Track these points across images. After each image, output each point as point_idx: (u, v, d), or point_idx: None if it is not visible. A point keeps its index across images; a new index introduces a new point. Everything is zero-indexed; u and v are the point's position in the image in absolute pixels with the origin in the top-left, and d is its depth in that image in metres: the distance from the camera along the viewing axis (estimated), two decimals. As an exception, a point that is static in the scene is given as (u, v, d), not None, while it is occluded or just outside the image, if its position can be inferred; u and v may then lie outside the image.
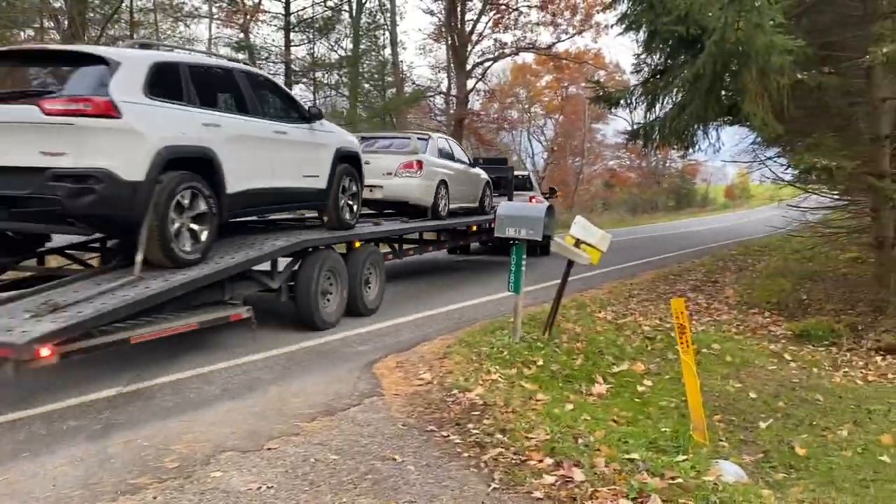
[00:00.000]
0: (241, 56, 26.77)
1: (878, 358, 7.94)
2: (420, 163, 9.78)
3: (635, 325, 8.47)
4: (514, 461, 3.73)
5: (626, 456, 3.98)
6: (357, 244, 7.88)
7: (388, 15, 28.91)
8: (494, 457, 3.77)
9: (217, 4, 28.34)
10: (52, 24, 22.33)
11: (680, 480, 3.62)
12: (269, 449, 3.66)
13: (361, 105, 30.25)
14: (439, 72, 34.37)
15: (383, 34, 30.79)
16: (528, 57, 42.14)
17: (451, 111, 33.55)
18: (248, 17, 30.52)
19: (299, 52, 27.50)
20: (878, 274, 10.27)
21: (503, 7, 32.92)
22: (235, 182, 5.96)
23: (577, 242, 6.75)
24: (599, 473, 3.64)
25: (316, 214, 7.98)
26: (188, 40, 23.83)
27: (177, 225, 5.34)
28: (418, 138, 10.31)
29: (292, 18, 26.56)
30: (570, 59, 38.67)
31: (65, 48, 6.23)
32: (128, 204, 4.95)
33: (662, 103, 8.64)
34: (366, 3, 30.62)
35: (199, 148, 5.60)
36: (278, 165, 6.73)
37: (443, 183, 10.26)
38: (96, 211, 4.83)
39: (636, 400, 5.86)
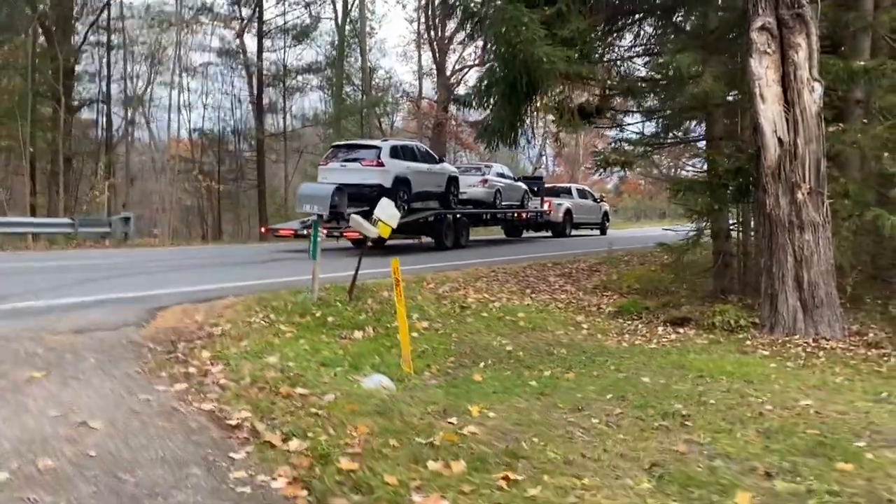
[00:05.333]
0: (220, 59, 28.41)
1: (661, 328, 9.07)
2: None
3: (460, 298, 9.68)
4: (179, 360, 5.02)
5: (287, 364, 5.25)
6: (459, 215, 16.89)
7: (362, 25, 30.30)
8: (168, 359, 5.06)
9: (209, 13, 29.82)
10: (41, 30, 24.14)
11: (294, 374, 4.88)
12: (-5, 344, 4.97)
13: (344, 104, 31.77)
14: (421, 77, 35.76)
15: (364, 41, 32.24)
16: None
17: (433, 115, 34.90)
18: (244, 23, 32.26)
19: (272, 57, 29.09)
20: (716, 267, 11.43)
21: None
22: (416, 187, 15.01)
23: (375, 220, 8.03)
24: (239, 370, 4.90)
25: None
26: (161, 46, 25.54)
27: (399, 202, 13.09)
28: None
29: (269, 25, 28.13)
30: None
31: (366, 143, 16.03)
32: (387, 195, 10.97)
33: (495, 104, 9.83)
34: (350, 10, 32.21)
35: (405, 176, 14.67)
36: (429, 181, 15.71)
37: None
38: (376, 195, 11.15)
39: (387, 343, 7.07)
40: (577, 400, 5.18)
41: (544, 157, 56.01)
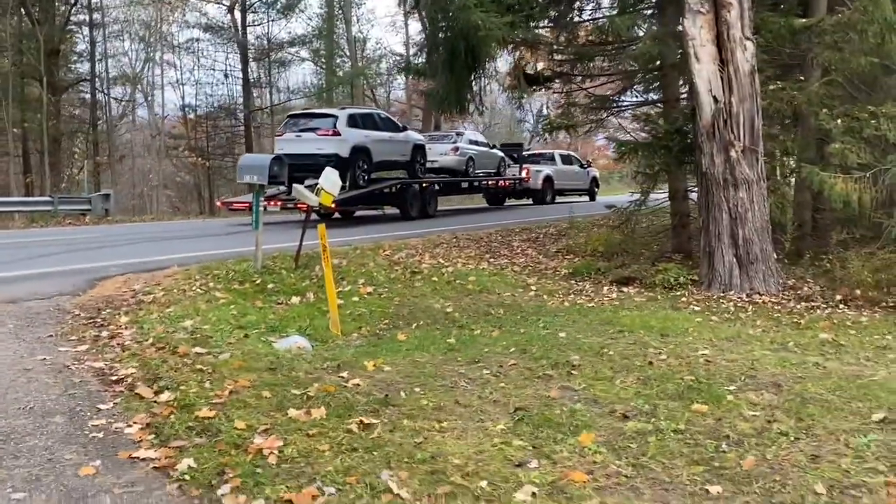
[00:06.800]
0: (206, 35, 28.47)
1: (606, 288, 9.24)
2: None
3: (414, 264, 9.86)
4: (96, 324, 5.26)
5: (202, 327, 5.48)
6: (425, 184, 16.57)
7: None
8: (86, 324, 5.30)
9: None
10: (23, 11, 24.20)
11: (201, 336, 5.12)
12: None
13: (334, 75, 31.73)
14: (408, 48, 35.59)
15: (349, 11, 32.17)
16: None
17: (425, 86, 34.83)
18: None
19: (258, 31, 29.11)
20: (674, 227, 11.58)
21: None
22: (376, 156, 14.76)
23: (318, 190, 8.22)
24: (148, 333, 5.13)
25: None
26: (146, 24, 25.61)
27: (359, 173, 14.17)
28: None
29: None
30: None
31: (323, 111, 15.70)
32: (344, 165, 12.98)
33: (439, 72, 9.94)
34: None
35: (364, 145, 14.44)
36: (391, 150, 15.45)
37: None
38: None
39: (323, 308, 7.27)
40: (480, 354, 5.38)
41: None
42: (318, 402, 3.84)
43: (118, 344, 4.71)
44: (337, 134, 13.91)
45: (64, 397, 3.61)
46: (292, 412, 3.63)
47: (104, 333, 5.02)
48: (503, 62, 10.31)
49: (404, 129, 16.94)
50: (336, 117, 14.34)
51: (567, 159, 26.64)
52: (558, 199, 25.06)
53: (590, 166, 28.33)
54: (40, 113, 23.41)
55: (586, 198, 27.42)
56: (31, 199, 17.20)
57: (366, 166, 14.43)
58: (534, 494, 2.92)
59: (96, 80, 25.29)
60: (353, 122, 14.57)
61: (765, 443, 3.56)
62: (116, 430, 3.25)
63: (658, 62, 9.79)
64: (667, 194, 11.29)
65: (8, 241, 11.27)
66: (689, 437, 3.64)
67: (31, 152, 24.49)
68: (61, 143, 24.32)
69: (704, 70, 8.16)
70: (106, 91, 25.47)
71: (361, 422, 3.59)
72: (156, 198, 24.43)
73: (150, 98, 29.84)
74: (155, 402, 3.60)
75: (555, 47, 9.64)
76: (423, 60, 10.70)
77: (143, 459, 2.96)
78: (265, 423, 3.44)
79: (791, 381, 4.54)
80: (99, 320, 5.41)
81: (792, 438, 3.60)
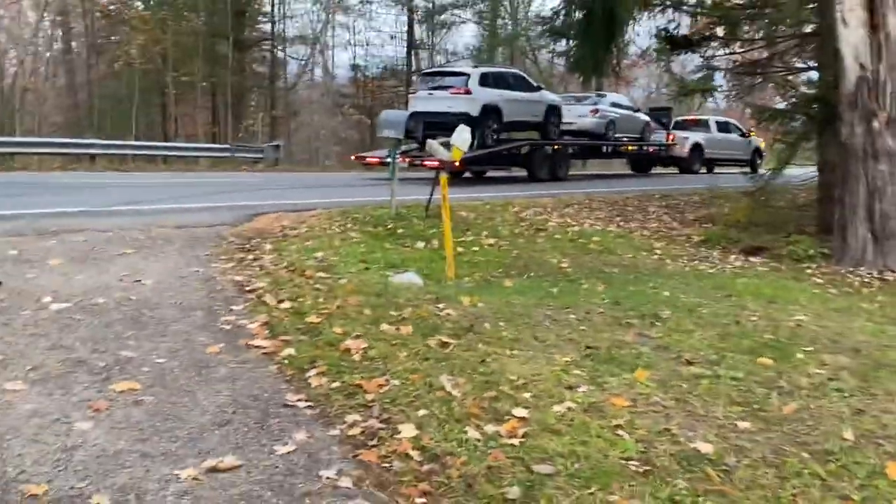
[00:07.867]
0: None
1: (733, 256, 9.16)
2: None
3: (540, 221, 10.24)
4: (245, 249, 6.18)
5: (331, 258, 6.26)
6: (557, 147, 16.58)
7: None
8: (237, 248, 6.23)
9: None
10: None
11: (328, 265, 5.88)
12: (108, 230, 6.38)
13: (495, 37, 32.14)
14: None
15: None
16: None
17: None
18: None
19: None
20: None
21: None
22: (507, 116, 14.81)
23: (451, 146, 8.79)
24: (287, 259, 5.97)
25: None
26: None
27: (488, 132, 14.23)
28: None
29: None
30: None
31: (455, 69, 15.98)
32: (473, 124, 11.75)
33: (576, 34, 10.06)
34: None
35: (495, 104, 14.45)
36: (523, 110, 15.45)
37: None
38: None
39: (444, 254, 7.85)
40: (575, 302, 5.72)
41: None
42: (408, 322, 4.41)
43: (258, 265, 5.56)
44: (468, 92, 13.95)
45: (206, 299, 4.44)
46: (384, 326, 4.24)
47: (249, 256, 5.91)
48: (645, 25, 10.20)
49: (539, 88, 16.56)
50: (468, 76, 14.39)
51: (724, 127, 24.63)
52: (716, 170, 23.84)
53: (750, 135, 26.62)
54: (226, 69, 25.78)
55: (746, 169, 25.91)
56: (213, 145, 19.35)
57: (496, 126, 14.40)
58: (570, 409, 3.31)
59: (276, 39, 27.32)
60: (485, 80, 14.55)
61: (815, 395, 3.69)
62: (241, 325, 4.01)
63: (811, 27, 9.40)
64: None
65: (190, 180, 12.90)
66: (743, 385, 3.83)
67: (217, 105, 27.12)
68: (243, 98, 26.65)
69: (852, 35, 7.82)
70: (284, 50, 27.54)
71: (441, 340, 4.12)
72: (324, 152, 26.30)
73: (324, 58, 31.84)
74: (276, 308, 4.34)
75: (699, 10, 9.49)
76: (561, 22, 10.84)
77: (256, 346, 3.68)
78: (359, 331, 4.07)
79: (873, 348, 4.55)
80: (248, 246, 6.32)
81: (845, 395, 3.71)
